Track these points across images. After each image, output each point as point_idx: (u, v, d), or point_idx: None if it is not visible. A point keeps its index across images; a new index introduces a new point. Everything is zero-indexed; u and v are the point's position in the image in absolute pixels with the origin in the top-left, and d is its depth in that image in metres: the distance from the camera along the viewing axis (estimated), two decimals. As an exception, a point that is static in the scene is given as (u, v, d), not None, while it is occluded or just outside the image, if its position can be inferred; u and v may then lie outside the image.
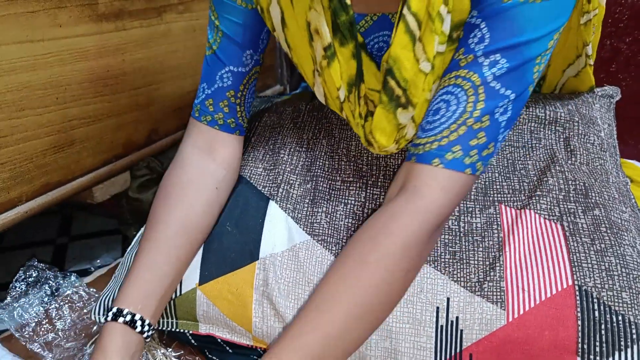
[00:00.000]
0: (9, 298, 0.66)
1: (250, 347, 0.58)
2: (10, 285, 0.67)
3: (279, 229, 0.57)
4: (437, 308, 0.50)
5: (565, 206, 0.55)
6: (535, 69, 0.44)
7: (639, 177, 0.68)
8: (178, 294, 0.57)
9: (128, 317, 0.49)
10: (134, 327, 0.49)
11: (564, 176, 0.58)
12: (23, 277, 0.68)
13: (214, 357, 0.60)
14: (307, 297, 0.53)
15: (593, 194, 0.56)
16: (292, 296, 0.54)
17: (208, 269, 0.56)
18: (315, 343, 0.42)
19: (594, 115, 0.67)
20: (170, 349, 0.60)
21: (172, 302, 0.57)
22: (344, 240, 0.55)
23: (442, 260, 0.52)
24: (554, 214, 0.54)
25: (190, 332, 0.58)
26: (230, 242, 0.57)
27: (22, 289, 0.67)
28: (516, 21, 0.42)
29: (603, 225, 0.53)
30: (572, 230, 0.52)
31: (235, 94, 0.57)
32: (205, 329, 0.58)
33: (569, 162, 0.60)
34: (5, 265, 1.02)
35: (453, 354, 0.49)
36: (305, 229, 0.57)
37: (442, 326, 0.50)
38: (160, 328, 0.59)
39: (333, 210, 0.58)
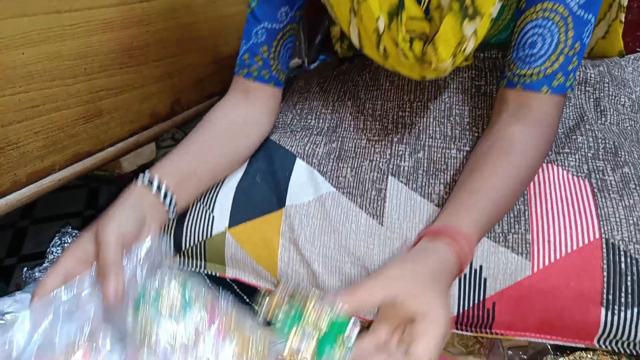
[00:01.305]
0: (46, 262, 0.69)
1: None
2: (47, 249, 0.70)
3: (305, 181, 0.59)
4: None
5: (594, 164, 0.55)
6: None
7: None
8: (209, 235, 0.59)
9: (146, 179, 0.51)
10: (151, 189, 0.51)
11: (593, 135, 0.58)
12: (59, 242, 0.70)
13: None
14: (332, 245, 0.55)
15: (623, 153, 0.56)
16: (317, 242, 0.55)
17: (237, 214, 0.58)
18: (484, 207, 0.47)
19: (625, 77, 0.66)
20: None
21: (203, 243, 0.59)
22: (369, 193, 0.56)
23: None
24: (582, 171, 0.54)
25: (218, 274, 0.60)
26: (259, 191, 0.59)
27: (58, 253, 0.70)
28: None
29: (632, 182, 0.53)
30: (600, 186, 0.53)
31: (268, 49, 0.61)
32: (232, 273, 0.59)
33: (599, 122, 0.60)
34: (36, 236, 1.05)
35: (476, 302, 0.50)
36: (331, 181, 0.58)
37: (465, 274, 0.50)
38: (188, 268, 0.61)
39: (358, 165, 0.59)
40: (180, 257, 0.61)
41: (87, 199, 1.17)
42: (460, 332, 0.52)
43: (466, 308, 0.50)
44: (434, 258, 0.43)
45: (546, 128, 0.52)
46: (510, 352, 0.56)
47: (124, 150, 0.77)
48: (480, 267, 0.50)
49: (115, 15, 0.71)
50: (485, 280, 0.50)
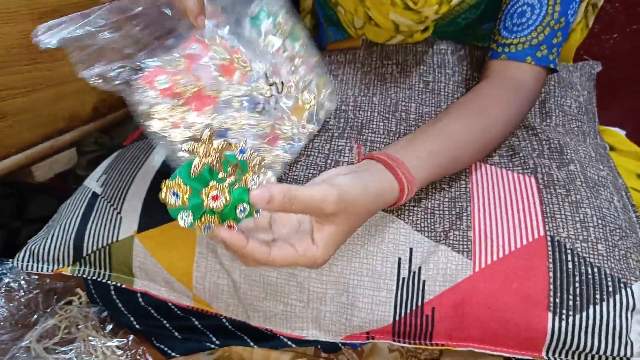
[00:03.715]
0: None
1: (193, 310, 0.52)
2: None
3: None
4: (399, 259, 0.46)
5: (540, 161, 0.52)
6: None
7: (620, 144, 0.65)
8: (115, 239, 0.52)
9: None
10: None
11: (537, 138, 0.56)
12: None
13: (162, 346, 0.55)
14: None
15: (568, 151, 0.54)
16: None
17: (148, 217, 0.52)
18: (433, 144, 0.45)
19: (573, 80, 0.65)
20: (115, 340, 0.55)
21: (107, 247, 0.52)
22: None
23: (406, 207, 0.48)
24: (527, 166, 0.52)
25: (123, 285, 0.53)
26: None
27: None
28: None
29: (578, 179, 0.50)
30: (545, 182, 0.50)
31: None
32: (141, 285, 0.52)
33: (544, 123, 0.58)
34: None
35: (414, 308, 0.45)
36: None
37: (403, 278, 0.46)
38: (90, 277, 0.54)
39: (294, 161, 0.54)
40: (80, 264, 0.53)
41: (14, 210, 1.06)
42: (398, 343, 0.47)
43: (403, 315, 0.45)
44: (379, 188, 0.40)
45: (523, 97, 0.53)
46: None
47: (36, 156, 0.68)
48: (419, 268, 0.46)
49: (21, 5, 0.62)
50: (424, 282, 0.45)
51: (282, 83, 0.47)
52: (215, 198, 0.32)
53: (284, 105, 0.48)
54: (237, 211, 0.34)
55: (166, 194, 0.32)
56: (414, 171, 0.42)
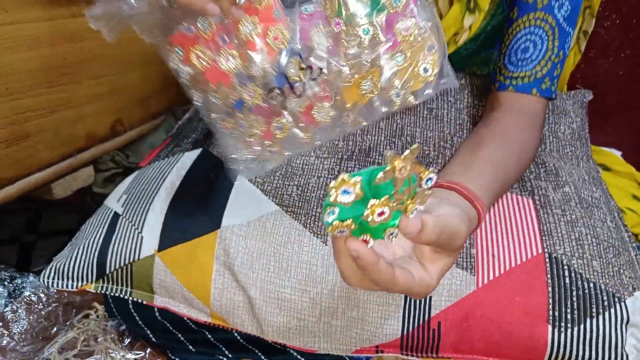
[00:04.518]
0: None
1: (209, 325, 0.55)
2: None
3: (245, 201, 0.56)
4: None
5: (537, 183, 0.55)
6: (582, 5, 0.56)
7: (615, 164, 0.67)
8: (136, 258, 0.54)
9: None
10: None
11: (533, 162, 0.58)
12: (-26, 279, 0.64)
13: (177, 359, 0.57)
14: (272, 268, 0.52)
15: (563, 174, 0.57)
16: (256, 266, 0.52)
17: (168, 236, 0.54)
18: (485, 174, 0.47)
19: (566, 108, 0.69)
20: (133, 353, 0.57)
21: (129, 266, 0.54)
22: (314, 211, 0.54)
23: None
24: (525, 189, 0.55)
25: (144, 302, 0.55)
26: (194, 211, 0.56)
27: (-26, 291, 0.63)
28: None
29: (573, 200, 0.53)
30: (542, 203, 0.53)
31: None
32: (161, 302, 0.55)
33: (539, 149, 0.61)
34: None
35: (421, 322, 0.48)
36: (274, 199, 0.55)
37: None
38: (113, 294, 0.56)
39: (305, 182, 0.57)
40: (103, 282, 0.56)
41: (27, 224, 1.09)
42: (405, 356, 0.49)
43: (411, 329, 0.48)
44: (470, 218, 0.41)
45: (535, 125, 0.56)
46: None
47: (56, 174, 0.71)
48: None
49: (43, 31, 0.66)
50: (430, 298, 0.48)
51: (320, 69, 0.43)
52: (380, 214, 0.31)
53: (310, 90, 0.43)
54: (385, 233, 0.32)
55: (338, 187, 0.29)
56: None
